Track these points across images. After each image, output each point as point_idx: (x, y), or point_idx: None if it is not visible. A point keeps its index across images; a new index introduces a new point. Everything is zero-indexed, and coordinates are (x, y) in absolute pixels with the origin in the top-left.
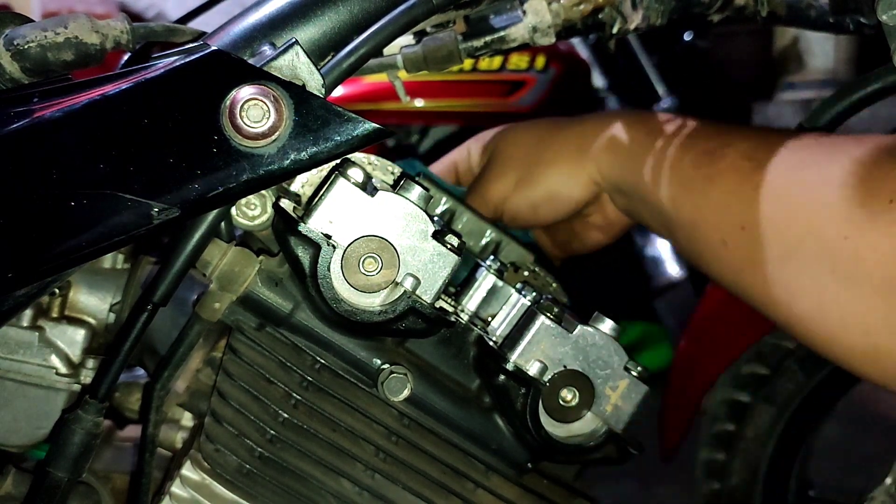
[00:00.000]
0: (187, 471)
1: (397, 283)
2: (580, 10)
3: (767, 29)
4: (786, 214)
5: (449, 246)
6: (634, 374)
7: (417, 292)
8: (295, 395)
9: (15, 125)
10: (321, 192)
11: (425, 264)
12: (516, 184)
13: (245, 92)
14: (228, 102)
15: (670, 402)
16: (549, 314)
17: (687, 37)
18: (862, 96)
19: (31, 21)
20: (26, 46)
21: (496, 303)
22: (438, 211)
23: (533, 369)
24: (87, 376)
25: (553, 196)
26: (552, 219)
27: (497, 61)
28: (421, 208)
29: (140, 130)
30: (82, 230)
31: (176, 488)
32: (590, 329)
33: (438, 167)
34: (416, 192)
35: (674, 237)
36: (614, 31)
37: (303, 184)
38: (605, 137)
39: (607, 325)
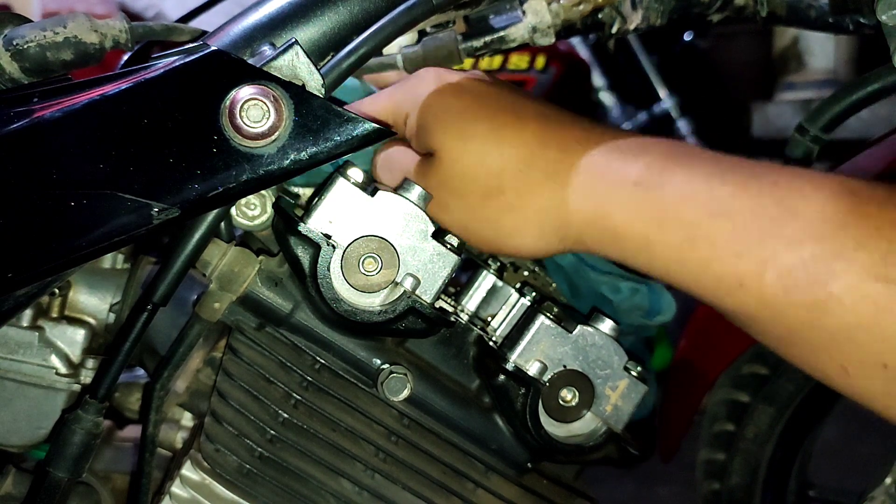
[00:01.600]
0: (187, 471)
1: (397, 283)
2: (580, 11)
3: (767, 29)
4: None
5: (449, 246)
6: (634, 374)
7: (417, 292)
8: (295, 395)
9: (15, 125)
10: (321, 192)
11: (425, 264)
12: (474, 209)
13: (245, 92)
14: (228, 102)
15: (670, 402)
16: (549, 314)
17: (687, 37)
18: (862, 96)
19: (31, 21)
20: (25, 46)
21: (496, 303)
22: None
23: (533, 369)
24: (87, 376)
25: (511, 251)
26: None
27: (497, 61)
28: (421, 208)
29: (140, 130)
30: (82, 230)
31: (176, 488)
32: (590, 329)
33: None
34: (416, 192)
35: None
36: (614, 31)
37: None
38: (600, 214)
39: (607, 325)
